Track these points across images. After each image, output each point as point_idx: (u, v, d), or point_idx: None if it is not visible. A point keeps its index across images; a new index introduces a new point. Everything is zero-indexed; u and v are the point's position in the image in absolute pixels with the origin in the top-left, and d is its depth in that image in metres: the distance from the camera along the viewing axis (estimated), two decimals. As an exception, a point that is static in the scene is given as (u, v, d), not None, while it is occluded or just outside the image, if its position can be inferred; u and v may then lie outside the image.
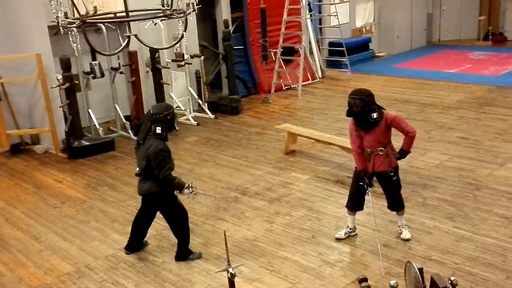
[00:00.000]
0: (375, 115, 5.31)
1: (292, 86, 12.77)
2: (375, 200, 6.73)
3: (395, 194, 5.73)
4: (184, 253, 5.69)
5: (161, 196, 5.50)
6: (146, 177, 5.47)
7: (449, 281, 3.10)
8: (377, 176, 5.63)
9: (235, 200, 7.05)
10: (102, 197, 7.47)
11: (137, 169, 5.55)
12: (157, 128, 5.32)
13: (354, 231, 5.93)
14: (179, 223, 5.68)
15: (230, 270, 3.68)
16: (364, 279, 3.29)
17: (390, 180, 5.58)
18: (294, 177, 7.63)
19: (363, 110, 5.30)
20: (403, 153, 5.61)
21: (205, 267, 5.51)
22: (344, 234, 5.89)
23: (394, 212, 5.94)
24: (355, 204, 5.80)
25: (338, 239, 5.85)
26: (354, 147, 5.55)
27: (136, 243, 5.91)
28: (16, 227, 6.75)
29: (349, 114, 5.45)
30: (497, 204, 6.44)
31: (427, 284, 3.13)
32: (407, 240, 5.77)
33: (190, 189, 5.46)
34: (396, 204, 5.77)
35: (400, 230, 5.86)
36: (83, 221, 6.77)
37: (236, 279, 3.77)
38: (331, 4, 13.82)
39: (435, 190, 6.91)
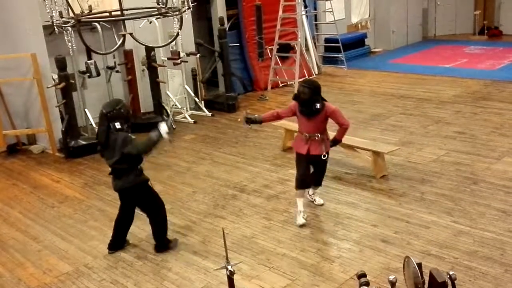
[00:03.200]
0: (318, 105, 5.93)
1: (288, 83, 12.77)
2: (373, 196, 6.76)
3: (321, 174, 6.47)
4: (163, 244, 5.82)
5: (137, 189, 5.60)
6: (119, 174, 5.55)
7: (448, 276, 3.11)
8: (312, 158, 6.16)
9: (233, 198, 7.05)
10: (100, 196, 7.46)
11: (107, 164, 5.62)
12: (116, 124, 5.44)
13: (305, 214, 6.28)
14: (158, 213, 5.77)
15: (229, 267, 3.67)
16: (363, 275, 3.30)
17: (322, 162, 6.24)
18: (292, 174, 7.61)
19: (310, 99, 5.88)
20: (336, 141, 6.35)
21: (204, 265, 5.51)
22: (304, 218, 6.20)
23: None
24: (304, 182, 6.22)
25: (302, 225, 6.13)
26: (277, 112, 6.31)
27: (118, 242, 5.94)
28: (14, 227, 6.74)
29: (295, 98, 6.05)
30: (494, 198, 6.45)
31: (426, 279, 3.13)
32: (321, 205, 6.54)
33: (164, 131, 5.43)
34: (319, 181, 6.55)
35: (313, 198, 6.65)
36: (81, 221, 6.77)
37: (235, 277, 3.76)
38: (327, 0, 13.80)
39: (433, 185, 6.93)
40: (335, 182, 7.28)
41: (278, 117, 6.36)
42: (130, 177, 5.54)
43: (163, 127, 5.42)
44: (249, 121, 6.30)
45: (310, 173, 6.34)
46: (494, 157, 7.65)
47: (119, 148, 5.41)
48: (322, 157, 6.14)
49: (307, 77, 13.17)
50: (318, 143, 6.10)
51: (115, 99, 6.33)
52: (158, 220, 5.79)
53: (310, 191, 6.66)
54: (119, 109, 5.48)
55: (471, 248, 5.41)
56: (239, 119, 6.19)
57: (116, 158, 5.45)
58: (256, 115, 6.42)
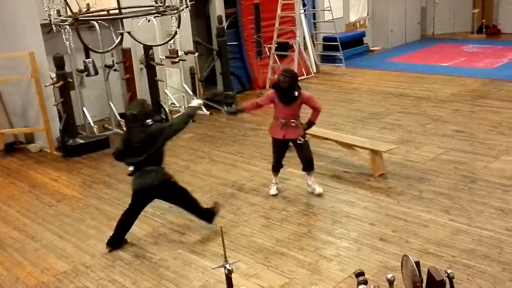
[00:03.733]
0: (296, 93, 6.44)
1: (286, 81, 12.74)
2: (371, 194, 6.76)
3: (308, 157, 6.76)
4: (209, 216, 6.11)
5: (165, 185, 5.78)
6: (147, 172, 5.62)
7: (446, 274, 3.11)
8: (287, 143, 6.73)
9: (231, 196, 7.05)
10: (98, 195, 7.45)
11: (130, 168, 5.67)
12: (147, 121, 5.59)
13: (278, 188, 6.97)
14: (189, 200, 6.01)
15: (227, 266, 3.67)
16: (361, 273, 3.29)
17: (304, 145, 6.67)
18: (290, 173, 7.62)
19: (289, 87, 6.36)
20: (310, 123, 6.73)
21: (202, 263, 5.51)
22: (276, 189, 6.91)
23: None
24: (278, 166, 6.89)
25: (274, 195, 6.83)
26: (257, 102, 6.73)
27: (119, 240, 5.95)
28: (12, 226, 6.73)
29: (274, 86, 6.53)
30: (492, 196, 6.46)
31: (424, 277, 3.13)
32: (320, 194, 6.75)
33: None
34: (307, 166, 6.80)
35: (312, 187, 6.84)
36: (79, 220, 6.76)
37: (233, 275, 3.76)
38: (325, -2, 13.82)
39: (431, 183, 6.93)
40: (333, 180, 7.28)
41: (258, 106, 6.73)
42: (159, 174, 5.69)
43: (196, 101, 6.05)
44: (232, 113, 6.89)
45: (282, 158, 6.89)
46: (492, 156, 7.66)
47: (160, 138, 5.61)
48: (298, 141, 6.61)
49: (305, 76, 13.19)
50: (294, 128, 6.56)
51: (139, 99, 6.56)
52: (192, 204, 6.03)
53: (308, 180, 6.91)
54: (146, 107, 5.69)
55: (469, 247, 5.42)
56: (224, 115, 6.86)
57: (153, 149, 5.58)
58: (238, 106, 6.95)
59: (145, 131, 5.57)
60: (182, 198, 5.99)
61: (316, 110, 6.70)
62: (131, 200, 5.89)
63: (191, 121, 5.94)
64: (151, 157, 5.63)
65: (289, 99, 6.44)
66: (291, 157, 8.11)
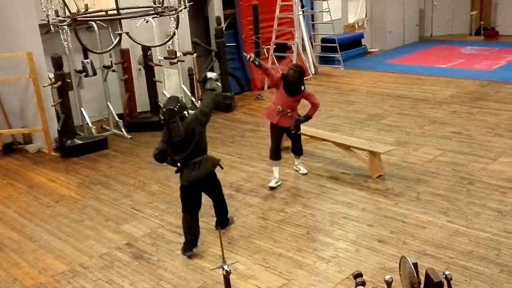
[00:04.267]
0: (302, 87, 6.92)
1: (285, 82, 12.74)
2: (369, 196, 6.76)
3: (297, 144, 7.42)
4: (227, 220, 6.25)
5: (211, 175, 5.85)
6: (195, 164, 5.65)
7: (444, 276, 3.11)
8: (284, 129, 7.13)
9: (229, 197, 7.03)
10: (95, 195, 7.44)
11: (178, 163, 5.69)
12: (183, 115, 5.66)
13: (280, 181, 7.26)
14: (222, 195, 6.16)
15: (225, 267, 3.67)
16: (359, 275, 3.29)
17: (293, 134, 7.20)
18: (288, 174, 7.63)
19: (296, 82, 6.83)
20: (308, 116, 7.17)
21: (200, 264, 5.51)
22: (275, 183, 7.16)
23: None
24: (277, 153, 7.17)
25: (272, 187, 7.12)
26: (269, 71, 7.12)
27: (193, 243, 5.80)
28: (10, 226, 6.72)
29: (283, 77, 6.91)
30: (490, 198, 6.47)
31: (422, 278, 3.13)
32: (305, 174, 7.44)
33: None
34: (297, 150, 7.47)
35: (298, 167, 7.56)
36: (77, 220, 6.75)
37: (231, 276, 3.76)
38: (323, 0, 13.81)
39: (429, 185, 6.94)
40: (332, 182, 7.28)
41: (268, 74, 7.13)
42: (209, 162, 5.78)
43: (210, 74, 6.20)
44: (255, 59, 7.03)
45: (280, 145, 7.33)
46: (490, 158, 7.67)
47: (197, 127, 5.67)
48: (290, 130, 7.11)
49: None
50: (288, 118, 7.02)
51: (171, 96, 6.75)
52: (223, 200, 6.15)
53: (295, 161, 7.59)
54: (181, 102, 5.79)
55: (467, 248, 5.42)
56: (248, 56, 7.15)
57: (196, 140, 5.63)
58: (261, 62, 7.14)
59: (183, 124, 5.61)
60: (219, 192, 6.11)
61: (314, 106, 7.11)
62: (183, 198, 5.82)
63: (216, 91, 6.15)
64: (196, 149, 5.66)
65: (295, 92, 6.87)
66: (289, 158, 8.13)
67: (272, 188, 7.11)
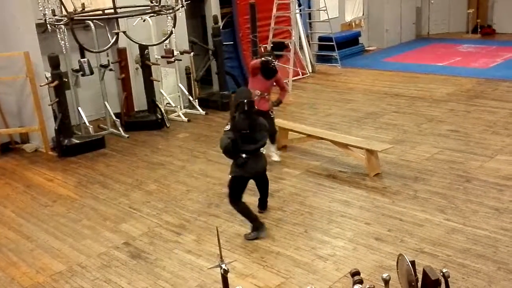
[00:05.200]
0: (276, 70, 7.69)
1: (282, 81, 12.75)
2: (367, 194, 6.77)
3: (272, 126, 7.74)
4: (264, 205, 6.54)
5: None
6: (260, 155, 6.02)
7: (441, 273, 3.12)
8: (262, 113, 7.22)
9: (227, 196, 7.03)
10: (93, 195, 7.44)
11: (244, 155, 5.79)
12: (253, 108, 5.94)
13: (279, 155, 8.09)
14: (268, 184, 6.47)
15: (223, 266, 3.67)
16: (357, 273, 3.30)
17: (269, 118, 7.54)
18: (286, 172, 7.63)
19: (276, 70, 7.61)
20: (279, 101, 7.94)
21: (198, 263, 5.51)
22: (278, 157, 8.01)
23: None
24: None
25: (276, 161, 7.88)
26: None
27: (257, 221, 6.01)
28: (7, 226, 6.71)
29: (263, 64, 7.55)
30: (487, 196, 6.48)
31: (419, 276, 3.14)
32: (278, 161, 7.88)
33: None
34: (271, 137, 7.78)
35: (271, 154, 7.89)
36: (75, 220, 6.74)
37: (229, 275, 3.76)
38: (320, -2, 13.81)
39: (426, 183, 6.95)
40: (329, 180, 7.29)
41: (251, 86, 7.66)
42: (264, 158, 6.13)
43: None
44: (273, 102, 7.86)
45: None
46: (487, 155, 7.68)
47: (264, 127, 6.02)
48: (270, 113, 7.70)
49: (301, 75, 13.20)
50: (266, 101, 7.64)
51: (242, 88, 7.43)
52: (268, 187, 6.45)
53: (271, 147, 7.93)
54: (251, 96, 6.12)
55: (464, 246, 5.44)
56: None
57: (260, 134, 5.91)
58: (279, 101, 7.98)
59: (252, 117, 5.83)
60: (266, 181, 6.39)
61: (283, 90, 8.02)
62: (238, 188, 5.98)
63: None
64: (262, 143, 5.95)
65: (270, 76, 7.62)
66: (287, 157, 8.14)
67: (276, 161, 7.90)
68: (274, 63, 7.61)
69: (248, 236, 5.93)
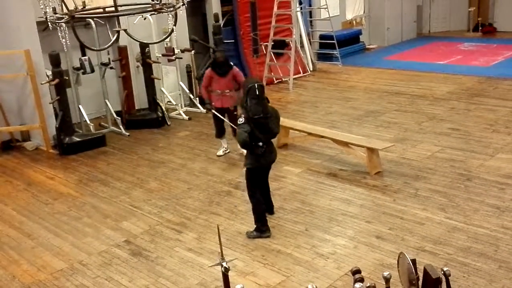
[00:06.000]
0: (231, 64, 7.99)
1: (283, 79, 12.76)
2: (367, 192, 6.78)
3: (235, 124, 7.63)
4: (270, 208, 6.44)
5: None
6: (272, 145, 6.02)
7: (442, 272, 3.12)
8: (225, 110, 7.98)
9: (228, 194, 7.05)
10: (94, 193, 7.44)
11: (261, 143, 5.76)
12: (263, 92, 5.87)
13: (228, 149, 8.40)
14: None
15: (224, 264, 3.67)
16: (358, 271, 3.30)
17: (232, 115, 7.92)
18: (287, 170, 7.64)
19: (224, 61, 7.85)
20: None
21: (199, 261, 5.51)
22: (223, 152, 8.33)
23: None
24: (221, 132, 8.29)
25: (219, 156, 8.23)
26: (204, 87, 8.02)
27: (264, 220, 6.00)
28: (8, 224, 6.72)
29: (212, 64, 8.00)
30: (488, 194, 6.48)
31: (420, 275, 3.14)
32: (219, 156, 8.23)
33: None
34: (234, 133, 7.68)
35: (225, 150, 8.33)
36: (76, 218, 6.75)
37: (230, 273, 3.76)
38: (321, -4, 13.80)
39: (427, 181, 6.95)
40: (330, 178, 7.29)
41: (206, 88, 7.99)
42: (274, 148, 6.10)
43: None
44: (209, 109, 8.16)
45: (222, 125, 8.19)
46: (488, 154, 7.68)
47: (277, 118, 5.97)
48: (231, 108, 7.93)
49: (302, 73, 13.19)
50: (229, 98, 7.91)
51: (250, 79, 7.73)
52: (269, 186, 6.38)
53: (224, 143, 8.35)
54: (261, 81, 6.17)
55: (465, 244, 5.44)
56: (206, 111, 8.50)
57: (278, 124, 5.98)
58: (207, 101, 8.09)
59: (264, 102, 5.78)
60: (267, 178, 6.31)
61: (241, 90, 7.74)
62: (256, 179, 5.97)
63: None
64: (276, 131, 5.96)
65: (224, 71, 7.79)
66: (288, 155, 8.14)
67: (219, 156, 8.23)
68: (222, 58, 7.80)
69: (250, 234, 5.94)
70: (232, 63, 8.08)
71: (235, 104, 7.88)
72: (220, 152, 8.32)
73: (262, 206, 5.99)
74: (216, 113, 7.96)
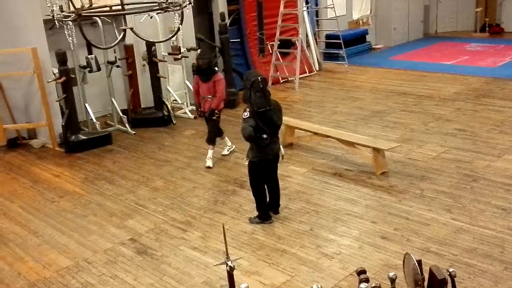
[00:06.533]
0: (216, 69, 8.12)
1: (289, 79, 12.75)
2: (373, 192, 6.76)
3: (210, 131, 8.10)
4: (276, 206, 6.44)
5: None
6: (276, 139, 6.07)
7: (448, 273, 3.11)
8: (204, 114, 8.07)
9: (233, 193, 7.05)
10: (100, 191, 7.46)
11: (265, 136, 5.84)
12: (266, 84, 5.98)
13: (233, 146, 8.47)
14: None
15: (229, 263, 3.67)
16: (363, 271, 3.30)
17: (210, 119, 8.00)
18: (292, 170, 7.63)
19: (208, 67, 7.86)
20: (210, 110, 7.93)
21: (204, 260, 5.52)
22: (227, 151, 8.37)
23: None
24: (220, 132, 8.28)
25: (209, 167, 7.94)
26: (195, 92, 8.15)
27: (266, 212, 6.18)
28: (14, 221, 6.75)
29: (197, 70, 8.09)
30: (494, 195, 6.45)
31: (426, 276, 3.13)
32: (208, 167, 7.95)
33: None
34: (208, 138, 8.12)
35: (208, 159, 8.07)
36: (81, 215, 6.77)
37: (235, 272, 3.76)
38: (328, -4, 13.78)
39: (433, 182, 6.92)
40: (335, 178, 7.28)
41: (197, 93, 8.08)
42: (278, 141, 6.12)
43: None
44: (202, 115, 8.14)
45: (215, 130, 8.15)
46: (494, 155, 7.65)
47: (279, 112, 6.01)
48: (208, 113, 7.94)
49: (308, 73, 13.18)
50: (209, 103, 7.92)
51: (250, 70, 7.85)
52: (277, 180, 6.34)
53: (210, 152, 8.12)
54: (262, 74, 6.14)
55: (471, 246, 5.41)
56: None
57: (281, 117, 6.03)
58: (197, 106, 8.24)
59: (267, 94, 5.85)
60: (276, 174, 6.28)
61: (217, 95, 7.88)
62: (260, 173, 6.05)
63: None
64: (279, 123, 6.03)
65: (207, 77, 7.86)
66: (293, 155, 8.13)
67: (207, 167, 7.95)
68: (205, 65, 7.81)
69: (253, 220, 6.16)
70: (215, 69, 8.12)
71: (212, 109, 7.89)
72: (208, 163, 8.04)
73: (263, 195, 6.14)
74: (205, 115, 8.01)
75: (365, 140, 7.65)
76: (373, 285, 3.24)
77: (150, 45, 9.80)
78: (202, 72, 7.90)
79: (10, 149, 9.43)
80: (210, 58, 8.22)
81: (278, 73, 12.84)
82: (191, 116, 10.51)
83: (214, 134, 8.12)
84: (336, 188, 6.98)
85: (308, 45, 13.64)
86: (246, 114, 5.80)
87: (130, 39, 9.66)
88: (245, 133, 5.81)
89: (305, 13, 13.32)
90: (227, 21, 11.67)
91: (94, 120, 9.68)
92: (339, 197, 6.72)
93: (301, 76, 12.66)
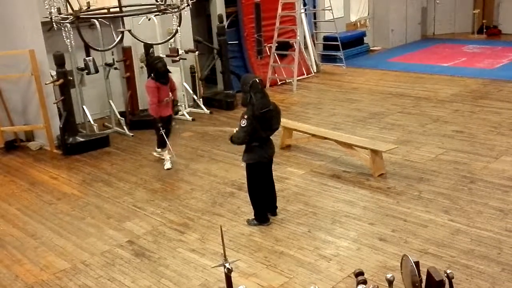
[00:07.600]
0: (169, 72, 8.21)
1: (287, 81, 12.76)
2: (371, 194, 6.77)
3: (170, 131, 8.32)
4: (273, 208, 6.45)
5: None
6: (271, 141, 6.11)
7: (445, 274, 3.11)
8: (170, 116, 8.23)
9: (231, 195, 7.05)
10: (97, 193, 7.45)
11: (257, 143, 5.90)
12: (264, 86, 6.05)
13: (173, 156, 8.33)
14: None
15: (227, 265, 3.67)
16: (361, 273, 3.29)
17: (170, 121, 8.29)
18: (290, 172, 7.63)
19: (166, 69, 7.99)
20: (174, 101, 8.38)
21: (202, 262, 5.51)
22: (170, 164, 8.12)
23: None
24: (164, 143, 8.16)
25: (169, 169, 8.01)
26: (155, 101, 7.83)
27: (263, 214, 6.19)
28: (12, 224, 6.73)
29: (156, 75, 7.86)
30: (492, 197, 6.46)
31: (423, 277, 3.13)
32: (168, 168, 8.03)
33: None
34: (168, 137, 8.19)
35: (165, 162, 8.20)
36: (79, 218, 6.76)
37: (232, 274, 3.76)
38: (326, -2, 13.79)
39: (431, 184, 6.93)
40: (333, 180, 7.28)
41: (159, 101, 7.88)
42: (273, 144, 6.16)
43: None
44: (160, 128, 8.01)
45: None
46: (492, 156, 7.66)
47: (277, 109, 6.06)
48: (174, 115, 8.39)
49: (305, 75, 13.19)
50: (169, 106, 8.12)
51: (246, 74, 7.63)
52: (274, 187, 6.36)
53: (166, 155, 8.23)
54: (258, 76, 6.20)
55: (468, 247, 5.42)
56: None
57: (275, 119, 6.03)
58: (158, 120, 8.00)
59: (267, 95, 5.90)
60: (272, 178, 6.29)
61: (174, 90, 8.25)
62: (258, 175, 6.05)
63: None
64: (276, 126, 6.06)
65: (166, 79, 7.98)
66: (291, 156, 8.14)
67: (169, 169, 8.04)
68: (165, 67, 7.88)
69: (251, 222, 6.16)
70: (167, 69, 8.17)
71: (172, 112, 8.16)
72: (168, 165, 8.11)
73: (261, 200, 6.15)
74: (163, 134, 7.98)
75: (363, 142, 7.66)
76: (371, 286, 3.24)
77: (148, 47, 9.80)
78: (162, 75, 7.92)
79: (7, 151, 9.41)
80: (165, 61, 8.28)
81: (276, 75, 12.84)
82: (189, 118, 10.51)
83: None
84: (334, 190, 6.98)
85: (306, 47, 13.65)
86: (244, 122, 5.78)
87: (128, 41, 9.65)
88: (239, 140, 5.92)
89: (303, 15, 13.33)
90: (225, 23, 11.68)
91: (92, 122, 9.68)
92: (337, 199, 6.73)
93: (299, 78, 12.67)
